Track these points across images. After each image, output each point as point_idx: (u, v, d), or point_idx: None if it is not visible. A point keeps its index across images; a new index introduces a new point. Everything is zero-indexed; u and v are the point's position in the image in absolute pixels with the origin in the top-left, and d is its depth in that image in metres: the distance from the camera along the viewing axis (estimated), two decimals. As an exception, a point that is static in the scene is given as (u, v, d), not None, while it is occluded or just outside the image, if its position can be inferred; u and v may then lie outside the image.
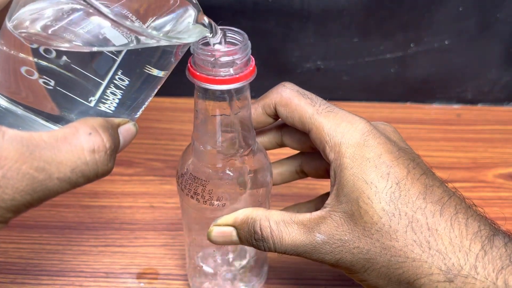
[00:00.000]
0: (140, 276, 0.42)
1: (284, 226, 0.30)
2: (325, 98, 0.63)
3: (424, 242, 0.27)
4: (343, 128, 0.30)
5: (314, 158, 0.36)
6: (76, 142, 0.22)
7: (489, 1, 0.55)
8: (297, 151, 0.37)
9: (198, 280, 0.40)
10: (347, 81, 0.61)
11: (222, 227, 0.32)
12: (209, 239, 0.32)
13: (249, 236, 0.31)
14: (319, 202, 0.37)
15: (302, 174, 0.37)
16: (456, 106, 0.62)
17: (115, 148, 0.24)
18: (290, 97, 0.32)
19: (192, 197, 0.33)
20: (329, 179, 0.35)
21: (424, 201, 0.28)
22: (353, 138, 0.30)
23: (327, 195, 0.35)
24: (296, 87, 0.33)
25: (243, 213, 0.31)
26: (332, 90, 0.61)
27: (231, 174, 0.33)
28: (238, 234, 0.32)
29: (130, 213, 0.48)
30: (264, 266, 0.41)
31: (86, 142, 0.23)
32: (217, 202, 0.33)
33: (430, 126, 0.59)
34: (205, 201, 0.33)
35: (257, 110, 0.33)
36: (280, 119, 0.34)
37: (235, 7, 0.55)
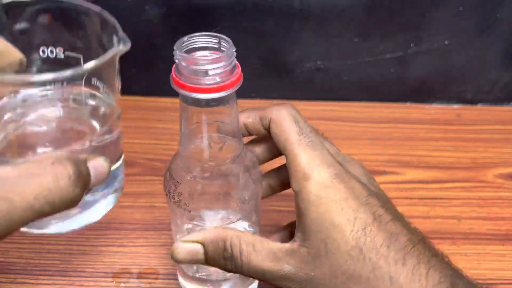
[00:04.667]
0: (140, 276, 0.42)
1: (254, 249, 0.30)
2: (325, 98, 0.64)
3: None
4: (315, 165, 0.30)
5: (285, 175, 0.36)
6: (39, 172, 0.22)
7: (489, 1, 0.55)
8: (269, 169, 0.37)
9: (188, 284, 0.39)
10: (347, 81, 0.61)
11: (189, 244, 0.31)
12: (173, 256, 0.31)
13: (217, 255, 0.31)
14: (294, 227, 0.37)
15: (288, 185, 0.36)
16: (456, 106, 0.62)
17: (81, 176, 0.24)
18: (283, 119, 0.32)
19: (166, 194, 0.34)
20: None
21: (387, 249, 0.28)
22: (321, 176, 0.30)
23: None
24: (294, 111, 0.33)
25: (213, 231, 0.31)
26: (332, 90, 0.61)
27: (209, 181, 0.32)
28: (205, 252, 0.31)
29: (131, 213, 0.48)
30: None
31: (49, 171, 0.23)
32: (184, 206, 0.32)
33: (430, 126, 0.59)
34: (175, 202, 0.33)
35: (255, 119, 0.33)
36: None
37: (235, 7, 0.55)
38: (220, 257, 0.30)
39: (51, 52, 0.30)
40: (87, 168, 0.25)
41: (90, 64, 0.25)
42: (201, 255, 0.31)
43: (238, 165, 0.33)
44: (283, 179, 0.37)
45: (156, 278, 0.42)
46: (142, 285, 0.42)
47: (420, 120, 0.60)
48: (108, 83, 0.29)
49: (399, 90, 0.62)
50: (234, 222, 0.34)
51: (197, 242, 0.31)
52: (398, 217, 0.30)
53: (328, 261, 0.28)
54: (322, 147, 0.32)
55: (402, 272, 0.28)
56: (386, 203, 0.31)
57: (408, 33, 0.57)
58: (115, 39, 0.27)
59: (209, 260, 0.31)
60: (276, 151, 0.35)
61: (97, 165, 0.26)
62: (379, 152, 0.55)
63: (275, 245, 0.30)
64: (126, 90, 0.61)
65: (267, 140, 0.35)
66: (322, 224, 0.29)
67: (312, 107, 0.61)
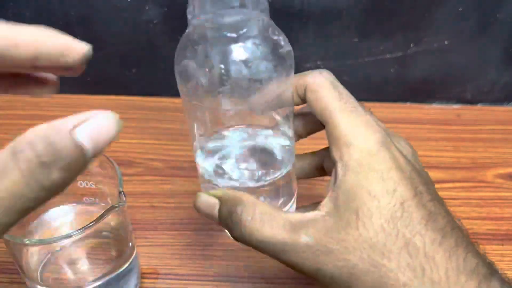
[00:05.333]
0: (141, 275, 0.42)
1: (269, 217, 0.28)
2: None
3: (418, 267, 0.25)
4: (359, 131, 0.28)
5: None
6: (10, 165, 0.18)
7: (489, 1, 0.55)
8: (318, 149, 0.36)
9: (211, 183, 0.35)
10: (347, 81, 0.60)
11: (209, 197, 0.30)
12: (194, 203, 0.31)
13: (227, 215, 0.29)
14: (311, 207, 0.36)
15: (323, 171, 0.36)
16: (456, 106, 0.62)
17: (57, 159, 0.18)
18: (320, 85, 0.30)
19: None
20: None
21: (425, 227, 0.26)
22: (365, 143, 0.28)
23: None
24: (332, 77, 0.31)
25: (233, 191, 0.30)
26: (332, 90, 0.61)
27: None
28: (219, 210, 0.30)
29: (131, 213, 0.48)
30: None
31: (20, 162, 0.18)
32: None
33: (430, 126, 0.59)
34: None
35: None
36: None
37: (235, 7, 0.55)
38: (229, 219, 0.29)
39: None
40: (70, 142, 0.18)
41: None
42: (215, 211, 0.30)
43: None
44: (316, 163, 0.35)
45: (156, 278, 0.42)
46: (142, 285, 0.42)
47: (420, 120, 0.60)
48: None
49: (399, 90, 0.62)
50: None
51: (216, 196, 0.30)
52: (438, 199, 0.29)
53: (356, 232, 0.26)
54: (365, 113, 0.30)
55: (438, 252, 0.26)
56: (428, 182, 0.29)
57: (408, 33, 0.57)
58: None
59: (220, 217, 0.30)
60: (314, 123, 0.33)
61: (92, 127, 0.19)
62: (379, 152, 0.55)
63: (294, 215, 0.28)
64: (126, 90, 0.61)
65: (304, 112, 0.34)
66: (357, 193, 0.27)
67: (312, 107, 0.61)
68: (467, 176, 0.53)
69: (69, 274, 0.39)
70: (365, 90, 0.62)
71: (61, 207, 0.41)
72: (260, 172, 0.33)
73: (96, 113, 0.19)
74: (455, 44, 0.58)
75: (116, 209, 0.34)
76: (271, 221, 0.28)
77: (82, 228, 0.32)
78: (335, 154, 0.29)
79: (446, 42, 0.58)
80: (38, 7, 0.54)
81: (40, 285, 0.37)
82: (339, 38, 0.57)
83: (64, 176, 0.19)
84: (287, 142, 0.34)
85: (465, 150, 0.56)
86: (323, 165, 0.36)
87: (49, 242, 0.34)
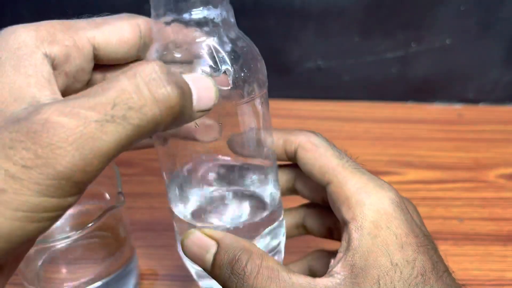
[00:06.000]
0: (140, 276, 0.42)
1: (276, 277, 0.24)
2: (325, 98, 0.63)
3: None
4: (371, 189, 0.26)
5: (320, 213, 0.33)
6: (120, 78, 0.19)
7: (490, 0, 0.55)
8: (297, 206, 0.34)
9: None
10: (348, 80, 0.60)
11: (205, 236, 0.26)
12: (183, 241, 0.26)
13: (227, 263, 0.25)
14: (312, 260, 0.33)
15: (302, 229, 0.34)
16: (457, 106, 0.62)
17: (174, 77, 0.20)
18: (316, 144, 0.29)
19: None
20: (331, 240, 0.32)
21: None
22: (381, 203, 0.26)
23: (323, 253, 0.33)
24: (325, 138, 0.29)
25: (237, 237, 0.26)
26: (332, 90, 0.61)
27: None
28: (216, 253, 0.25)
29: (130, 213, 0.47)
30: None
31: (129, 71, 0.19)
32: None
33: (432, 126, 0.59)
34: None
35: (278, 142, 0.30)
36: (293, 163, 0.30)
37: (235, 6, 0.54)
38: (228, 268, 0.25)
39: None
40: (183, 78, 0.21)
41: None
42: (210, 255, 0.25)
43: None
44: (297, 222, 0.33)
45: (156, 279, 0.42)
46: (141, 286, 0.41)
47: (422, 120, 0.60)
48: None
49: (400, 89, 0.61)
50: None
51: (214, 238, 0.26)
52: (447, 268, 0.27)
53: None
54: (368, 172, 0.28)
55: None
56: (436, 249, 0.27)
57: (409, 32, 0.57)
58: None
59: (215, 264, 0.25)
60: (290, 183, 0.32)
61: (197, 78, 0.22)
62: (380, 152, 0.55)
63: (304, 280, 0.24)
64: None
65: (290, 169, 0.32)
66: (377, 259, 0.24)
67: (312, 107, 0.61)
68: (468, 176, 0.52)
69: (67, 275, 0.39)
70: (366, 89, 0.62)
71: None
72: (243, 212, 0.30)
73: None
74: (456, 43, 0.57)
75: (115, 209, 0.33)
76: (277, 282, 0.24)
77: (80, 228, 0.32)
78: (347, 214, 0.26)
79: (447, 41, 0.57)
80: (37, 7, 0.54)
81: (38, 286, 0.36)
82: (340, 37, 0.57)
83: (178, 92, 0.19)
84: (268, 178, 0.31)
85: (466, 150, 0.55)
86: (304, 224, 0.33)
87: (48, 243, 0.34)
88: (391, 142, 0.56)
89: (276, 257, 0.31)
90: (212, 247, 0.25)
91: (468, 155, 0.55)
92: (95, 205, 0.41)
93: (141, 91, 0.19)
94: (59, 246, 0.37)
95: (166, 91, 0.19)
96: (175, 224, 0.31)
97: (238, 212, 0.30)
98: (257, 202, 0.30)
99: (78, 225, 0.40)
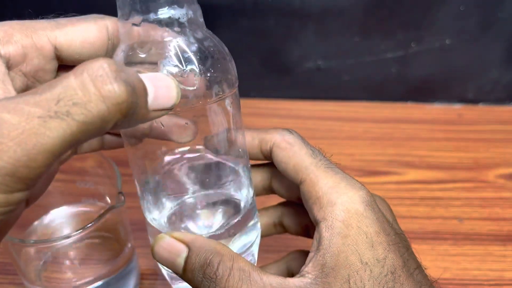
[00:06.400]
0: (140, 276, 0.42)
1: (249, 277, 0.24)
2: (325, 98, 0.63)
3: None
4: (342, 188, 0.26)
5: (297, 211, 0.33)
6: (67, 74, 0.18)
7: (490, 0, 0.55)
8: (274, 203, 0.34)
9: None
10: (347, 80, 0.60)
11: (175, 241, 0.25)
12: (153, 247, 0.26)
13: (199, 267, 0.25)
14: (291, 261, 0.34)
15: (280, 227, 0.34)
16: (457, 106, 0.62)
17: (123, 74, 0.19)
18: (291, 142, 0.28)
19: None
20: (308, 238, 0.32)
21: None
22: (351, 202, 0.26)
23: (301, 253, 0.33)
24: (300, 136, 0.29)
25: (208, 240, 0.25)
26: (332, 90, 0.61)
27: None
28: (187, 258, 0.25)
29: (130, 213, 0.47)
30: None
31: (77, 69, 0.18)
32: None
33: (431, 126, 0.59)
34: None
35: (254, 142, 0.30)
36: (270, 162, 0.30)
37: (235, 7, 0.55)
38: (200, 272, 0.24)
39: None
40: (137, 76, 0.20)
41: None
42: (181, 260, 0.25)
43: None
44: (274, 220, 0.33)
45: (156, 279, 0.42)
46: (142, 285, 0.41)
47: (421, 120, 0.60)
48: None
49: (400, 89, 0.61)
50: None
51: (184, 242, 0.25)
52: (419, 264, 0.27)
53: None
54: (341, 171, 0.28)
55: None
56: (408, 246, 0.27)
57: (409, 32, 0.57)
58: None
59: (187, 269, 0.25)
60: (267, 182, 0.32)
61: (156, 78, 0.21)
62: (380, 152, 0.55)
63: (275, 280, 0.25)
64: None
65: (266, 168, 0.32)
66: (348, 258, 0.24)
67: (312, 107, 0.61)
68: (468, 176, 0.52)
69: (68, 274, 0.39)
70: (365, 89, 0.62)
71: (60, 208, 0.41)
72: (217, 215, 0.30)
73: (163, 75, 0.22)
74: (456, 43, 0.57)
75: (115, 209, 0.33)
76: (249, 284, 0.24)
77: (81, 228, 0.32)
78: (318, 214, 0.26)
79: (447, 41, 0.57)
80: (38, 7, 0.54)
81: (39, 286, 0.36)
82: (340, 37, 0.57)
83: (125, 89, 0.19)
84: (241, 178, 0.31)
85: (466, 150, 0.55)
86: (281, 222, 0.34)
87: (48, 243, 0.34)
88: (391, 142, 0.56)
89: (250, 258, 0.31)
90: (183, 252, 0.25)
91: (468, 155, 0.55)
92: (95, 205, 0.41)
93: (86, 87, 0.18)
94: (59, 246, 0.37)
95: (112, 87, 0.19)
96: (148, 230, 0.31)
97: (212, 215, 0.30)
98: (231, 203, 0.30)
99: (78, 225, 0.40)
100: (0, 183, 0.18)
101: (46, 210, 0.40)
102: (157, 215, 0.30)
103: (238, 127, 0.29)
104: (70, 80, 0.18)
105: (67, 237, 0.31)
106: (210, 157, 0.29)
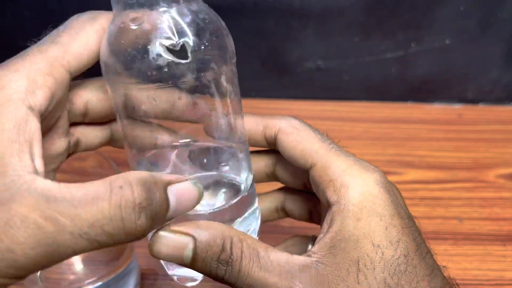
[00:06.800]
0: (140, 276, 0.42)
1: (257, 256, 0.24)
2: (325, 98, 0.63)
3: None
4: (355, 170, 0.26)
5: (300, 196, 0.32)
6: (102, 195, 0.20)
7: (490, 0, 0.55)
8: (277, 188, 0.34)
9: None
10: (347, 80, 0.60)
11: (178, 236, 0.24)
12: (152, 247, 0.24)
13: (211, 254, 0.24)
14: (290, 246, 0.33)
15: (282, 212, 0.33)
16: (457, 106, 0.62)
17: (150, 206, 0.21)
18: (297, 127, 0.28)
19: None
20: (312, 223, 0.32)
21: (428, 285, 0.24)
22: (365, 184, 0.25)
23: (301, 239, 0.33)
24: (306, 123, 0.29)
25: (211, 225, 0.24)
26: (332, 90, 0.61)
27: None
28: (195, 248, 0.24)
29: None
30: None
31: (114, 196, 0.20)
32: None
33: (431, 126, 0.59)
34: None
35: (258, 128, 0.29)
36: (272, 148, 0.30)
37: (235, 7, 0.55)
38: (213, 259, 0.24)
39: None
40: (163, 195, 0.21)
41: None
42: (188, 252, 0.24)
43: None
44: (276, 205, 0.33)
45: (156, 279, 0.42)
46: (142, 285, 0.41)
47: (421, 120, 0.60)
48: None
49: (400, 89, 0.61)
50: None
51: (187, 233, 0.24)
52: (429, 250, 0.27)
53: (357, 285, 0.23)
54: (353, 154, 0.27)
55: None
56: (420, 232, 0.27)
57: (409, 32, 0.57)
58: None
59: (197, 260, 0.24)
60: (270, 169, 0.32)
61: (182, 188, 0.22)
62: (380, 152, 0.55)
63: (284, 256, 0.24)
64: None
65: (269, 155, 0.31)
66: (358, 241, 0.24)
67: (312, 107, 0.61)
68: (468, 176, 0.52)
69: (68, 274, 0.39)
70: (365, 89, 0.62)
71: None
72: (218, 198, 0.29)
73: (186, 179, 0.23)
74: (456, 43, 0.57)
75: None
76: (259, 262, 0.24)
77: None
78: (331, 197, 0.26)
79: (447, 41, 0.57)
80: (37, 7, 0.54)
81: (39, 285, 0.36)
82: (340, 37, 0.57)
83: (146, 226, 0.21)
84: (240, 160, 0.30)
85: (466, 150, 0.55)
86: (284, 207, 0.33)
87: None
88: (391, 142, 0.56)
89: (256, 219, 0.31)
90: (189, 243, 0.24)
91: (468, 155, 0.55)
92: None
93: (117, 220, 0.20)
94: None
95: (135, 225, 0.20)
96: None
97: (212, 198, 0.29)
98: (229, 185, 0.29)
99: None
100: (12, 274, 0.20)
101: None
102: None
103: (235, 105, 0.28)
104: (105, 207, 0.20)
105: None
106: (207, 137, 0.28)
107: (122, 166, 0.52)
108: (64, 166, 0.30)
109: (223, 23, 0.26)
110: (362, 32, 0.57)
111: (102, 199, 0.20)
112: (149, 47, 0.23)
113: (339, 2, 0.54)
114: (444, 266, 0.26)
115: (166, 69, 0.24)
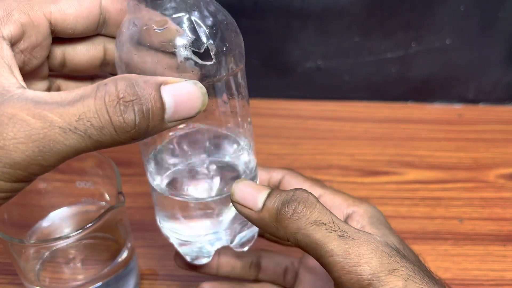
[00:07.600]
0: (140, 276, 0.42)
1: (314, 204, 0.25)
2: (325, 98, 0.63)
3: None
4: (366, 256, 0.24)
5: (277, 255, 0.35)
6: (90, 94, 0.20)
7: (490, 0, 0.55)
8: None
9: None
10: (347, 80, 0.60)
11: (255, 184, 0.26)
12: (233, 190, 0.26)
13: (289, 205, 0.25)
14: None
15: (254, 269, 0.35)
16: (457, 106, 0.62)
17: (137, 102, 0.20)
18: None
19: None
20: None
21: None
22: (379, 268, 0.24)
23: None
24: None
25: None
26: (332, 90, 0.61)
27: None
28: (270, 194, 0.25)
29: (130, 213, 0.47)
30: None
31: (98, 92, 0.20)
32: None
33: (431, 126, 0.59)
34: None
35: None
36: None
37: (235, 7, 0.55)
38: (289, 208, 0.25)
39: None
40: (154, 93, 0.21)
41: None
42: (262, 196, 0.25)
43: None
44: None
45: (156, 279, 0.42)
46: (141, 286, 0.41)
47: (422, 120, 0.60)
48: None
49: (400, 89, 0.61)
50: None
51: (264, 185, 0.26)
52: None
53: None
54: (367, 234, 0.26)
55: None
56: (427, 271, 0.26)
57: (409, 32, 0.57)
58: None
59: (270, 209, 0.25)
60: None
61: (179, 89, 0.21)
62: (380, 152, 0.55)
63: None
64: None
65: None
66: None
67: (312, 107, 0.61)
68: (469, 176, 0.52)
69: (68, 275, 0.39)
70: (366, 89, 0.62)
71: (60, 208, 0.41)
72: (221, 182, 0.30)
73: (186, 81, 0.22)
74: (456, 43, 0.57)
75: (115, 209, 0.33)
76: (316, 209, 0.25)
77: (80, 229, 0.32)
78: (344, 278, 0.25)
79: (447, 41, 0.57)
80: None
81: (39, 286, 0.36)
82: (340, 37, 0.57)
83: (137, 122, 0.20)
84: (245, 147, 0.31)
85: (466, 150, 0.55)
86: (259, 261, 0.36)
87: (48, 243, 0.34)
88: (391, 142, 0.56)
89: (247, 229, 0.32)
90: (266, 189, 0.26)
91: (468, 155, 0.55)
92: (95, 205, 0.41)
93: (102, 113, 0.20)
94: (59, 246, 0.37)
95: (122, 119, 0.20)
96: (154, 198, 0.32)
97: (216, 182, 0.31)
98: (231, 169, 0.31)
99: (78, 225, 0.40)
100: (11, 174, 0.20)
101: (45, 211, 0.40)
102: (159, 181, 0.31)
103: (247, 100, 0.30)
104: (91, 102, 0.20)
105: (67, 237, 0.31)
106: (215, 128, 0.30)
107: (122, 166, 0.52)
108: (63, 166, 0.29)
109: (235, 22, 0.27)
110: (362, 32, 0.57)
111: (89, 96, 0.20)
112: (175, 50, 0.24)
113: (339, 2, 0.54)
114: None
115: (192, 72, 0.24)
